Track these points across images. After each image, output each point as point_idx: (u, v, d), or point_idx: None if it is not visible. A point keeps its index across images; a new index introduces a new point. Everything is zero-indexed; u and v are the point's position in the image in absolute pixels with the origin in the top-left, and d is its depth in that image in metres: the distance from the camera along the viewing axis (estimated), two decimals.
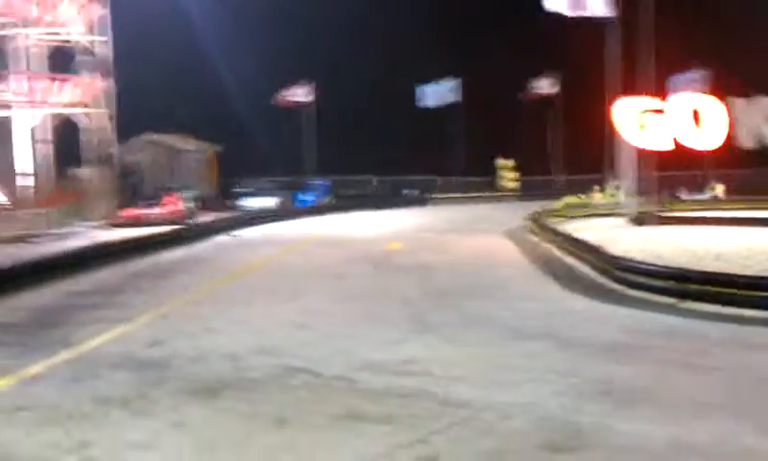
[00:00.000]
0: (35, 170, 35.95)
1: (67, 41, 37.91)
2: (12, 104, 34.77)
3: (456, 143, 53.85)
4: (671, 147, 24.42)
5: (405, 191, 52.87)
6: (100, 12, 38.51)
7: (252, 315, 14.47)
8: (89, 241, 26.13)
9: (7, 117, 35.92)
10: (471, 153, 53.31)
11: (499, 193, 53.75)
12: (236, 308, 15.17)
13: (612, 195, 40.18)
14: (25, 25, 36.04)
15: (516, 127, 55.51)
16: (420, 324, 13.33)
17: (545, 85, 55.26)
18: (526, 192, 52.24)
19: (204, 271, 21.33)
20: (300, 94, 49.42)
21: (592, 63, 30.50)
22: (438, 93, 54.24)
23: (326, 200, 47.84)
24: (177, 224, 33.00)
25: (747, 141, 26.07)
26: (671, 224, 28.41)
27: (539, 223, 28.46)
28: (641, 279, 15.84)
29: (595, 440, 7.60)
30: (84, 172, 38.96)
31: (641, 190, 30.39)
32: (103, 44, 39.01)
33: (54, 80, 36.35)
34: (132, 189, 44.45)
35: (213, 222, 33.90)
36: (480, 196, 52.31)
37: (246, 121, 57.27)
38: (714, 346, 11.56)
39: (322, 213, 42.16)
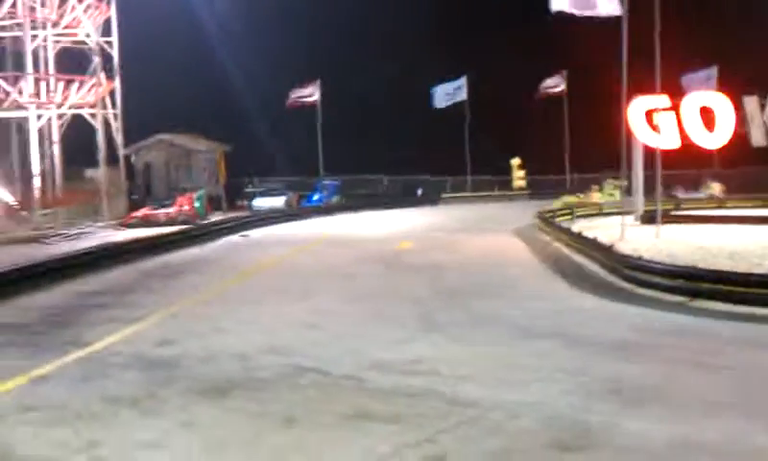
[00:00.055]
0: (44, 171, 36.10)
1: (76, 43, 38.07)
2: (23, 104, 34.93)
3: (466, 143, 53.75)
4: (679, 146, 24.28)
5: (416, 191, 52.81)
6: (108, 13, 38.66)
7: (262, 315, 14.50)
8: (100, 241, 26.23)
9: (17, 118, 36.09)
10: (482, 152, 53.18)
11: (510, 192, 53.65)
12: (246, 308, 15.20)
13: (611, 194, 40.10)
14: (34, 27, 36.22)
15: (526, 126, 55.42)
16: (429, 323, 13.33)
17: (555, 84, 55.12)
18: (537, 191, 52.10)
19: (214, 271, 21.38)
20: (309, 94, 49.43)
21: (602, 62, 30.42)
22: (448, 93, 54.17)
23: (336, 199, 47.81)
24: (188, 224, 33.10)
25: (760, 139, 25.89)
26: (680, 222, 28.29)
27: (548, 222, 28.40)
28: (651, 278, 15.77)
29: (604, 439, 7.59)
30: (95, 172, 39.10)
31: (647, 189, 30.31)
32: (111, 45, 39.16)
33: (63, 81, 36.50)
34: (143, 189, 44.63)
35: (223, 222, 33.94)
36: (490, 195, 52.19)
37: (254, 121, 57.42)
38: (725, 345, 11.51)
39: (332, 213, 42.18)
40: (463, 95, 53.45)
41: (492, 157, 53.78)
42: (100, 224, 34.75)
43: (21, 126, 36.19)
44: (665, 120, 23.99)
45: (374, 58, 59.71)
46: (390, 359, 10.76)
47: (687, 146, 24.23)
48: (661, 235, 24.20)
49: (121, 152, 40.58)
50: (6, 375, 10.34)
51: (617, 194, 40.10)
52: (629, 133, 25.34)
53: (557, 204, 37.30)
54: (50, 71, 37.64)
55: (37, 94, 35.50)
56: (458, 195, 52.69)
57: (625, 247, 20.23)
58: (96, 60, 37.50)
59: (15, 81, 35.02)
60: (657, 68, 24.36)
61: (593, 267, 19.32)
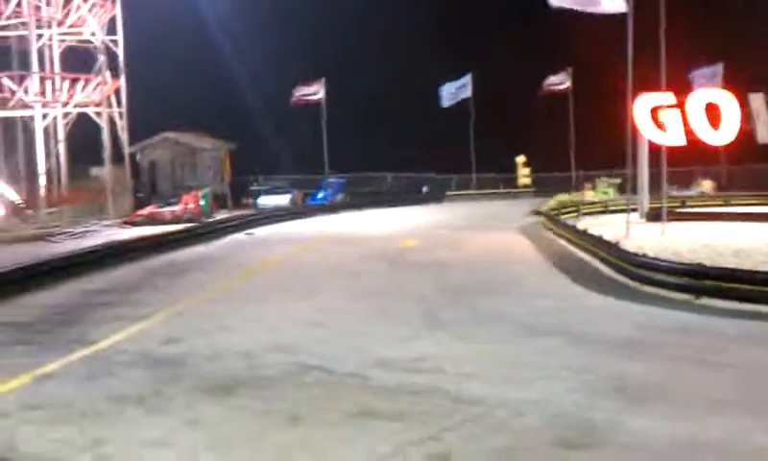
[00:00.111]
0: (49, 169, 36.19)
1: (81, 41, 38.15)
2: (29, 103, 35.01)
3: (471, 140, 53.71)
4: (685, 143, 24.23)
5: (422, 189, 52.79)
6: (113, 11, 38.73)
7: (267, 313, 14.53)
8: (106, 240, 26.29)
9: (22, 117, 36.18)
10: (486, 150, 53.15)
11: (515, 190, 53.61)
12: (251, 306, 15.23)
13: (605, 192, 40.03)
14: (40, 26, 36.30)
15: (530, 124, 55.32)
16: (434, 321, 13.34)
17: (560, 82, 55.02)
18: (542, 188, 52.03)
19: (219, 269, 21.42)
20: (313, 92, 49.42)
21: (608, 59, 30.34)
22: (453, 92, 54.14)
23: (341, 197, 47.81)
24: (193, 222, 33.15)
25: (766, 136, 25.82)
26: (686, 220, 28.22)
27: (553, 219, 28.37)
28: (656, 276, 15.75)
29: (608, 437, 7.59)
30: (100, 171, 39.18)
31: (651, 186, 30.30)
32: (116, 44, 39.24)
33: (68, 79, 36.58)
34: (149, 188, 44.68)
35: (229, 220, 33.98)
36: (495, 193, 52.15)
37: (259, 119, 57.43)
38: (730, 342, 11.49)
39: (337, 211, 42.20)
40: (468, 93, 53.41)
41: (497, 154, 53.70)
42: (105, 222, 34.82)
43: (27, 125, 36.28)
44: (671, 117, 23.98)
45: (379, 56, 59.72)
46: (394, 357, 10.77)
47: (693, 143, 24.20)
48: (667, 233, 24.17)
49: (126, 150, 40.67)
50: (11, 373, 10.37)
51: (611, 192, 40.10)
52: (634, 130, 25.31)
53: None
54: (55, 70, 37.72)
55: (43, 93, 35.59)
56: (463, 193, 52.67)
57: (630, 244, 20.21)
58: (101, 58, 37.56)
59: (21, 80, 35.11)
60: (662, 66, 24.30)
61: (598, 265, 19.31)
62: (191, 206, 36.88)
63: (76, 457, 7.51)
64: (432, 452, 7.28)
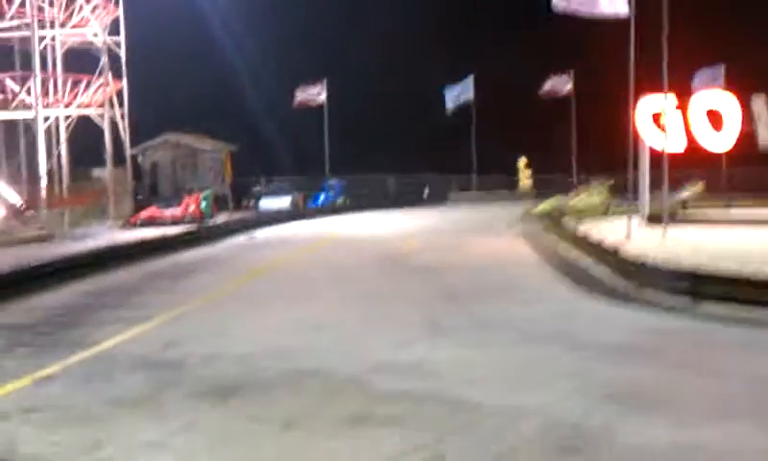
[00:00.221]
0: (51, 171, 36.23)
1: (83, 43, 38.22)
2: (30, 104, 35.06)
3: (473, 143, 53.78)
4: (685, 150, 24.23)
5: (423, 191, 52.84)
6: (115, 13, 38.78)
7: (268, 316, 14.54)
8: (107, 241, 26.31)
9: (24, 118, 36.23)
10: (488, 152, 53.21)
11: (517, 192, 53.64)
12: (252, 310, 15.24)
13: (598, 196, 39.99)
14: (42, 27, 36.36)
15: (533, 126, 55.36)
16: (434, 326, 13.33)
17: (561, 84, 55.03)
18: (544, 191, 52.05)
19: (220, 272, 21.44)
20: (316, 93, 49.48)
21: (610, 62, 30.35)
22: (456, 94, 54.18)
23: (342, 199, 47.83)
24: (194, 224, 33.18)
25: (767, 138, 25.85)
26: (687, 224, 28.17)
27: (554, 222, 28.34)
28: (656, 280, 15.72)
29: (606, 444, 7.58)
30: (102, 172, 39.24)
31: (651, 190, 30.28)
32: (118, 45, 39.30)
33: (70, 81, 36.63)
34: (148, 189, 44.75)
35: (230, 222, 34.02)
36: (497, 195, 52.22)
37: (261, 121, 57.52)
38: (729, 348, 11.49)
39: (339, 213, 42.24)
40: (470, 95, 53.44)
41: (499, 156, 53.75)
42: (107, 224, 34.87)
43: (29, 126, 36.34)
44: (672, 122, 23.97)
45: (381, 58, 59.76)
46: (393, 362, 10.77)
47: (694, 150, 24.23)
48: (668, 237, 24.14)
49: (128, 152, 40.72)
50: (11, 375, 10.41)
51: (599, 199, 40.04)
52: (636, 134, 25.29)
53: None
54: (58, 71, 37.80)
55: (45, 94, 35.65)
56: (464, 195, 52.71)
57: (631, 248, 20.17)
58: (103, 59, 37.62)
59: (23, 81, 35.18)
60: (664, 70, 24.29)
61: (598, 269, 19.27)
62: (192, 208, 36.94)
63: (75, 459, 7.53)
64: (429, 458, 7.28)
